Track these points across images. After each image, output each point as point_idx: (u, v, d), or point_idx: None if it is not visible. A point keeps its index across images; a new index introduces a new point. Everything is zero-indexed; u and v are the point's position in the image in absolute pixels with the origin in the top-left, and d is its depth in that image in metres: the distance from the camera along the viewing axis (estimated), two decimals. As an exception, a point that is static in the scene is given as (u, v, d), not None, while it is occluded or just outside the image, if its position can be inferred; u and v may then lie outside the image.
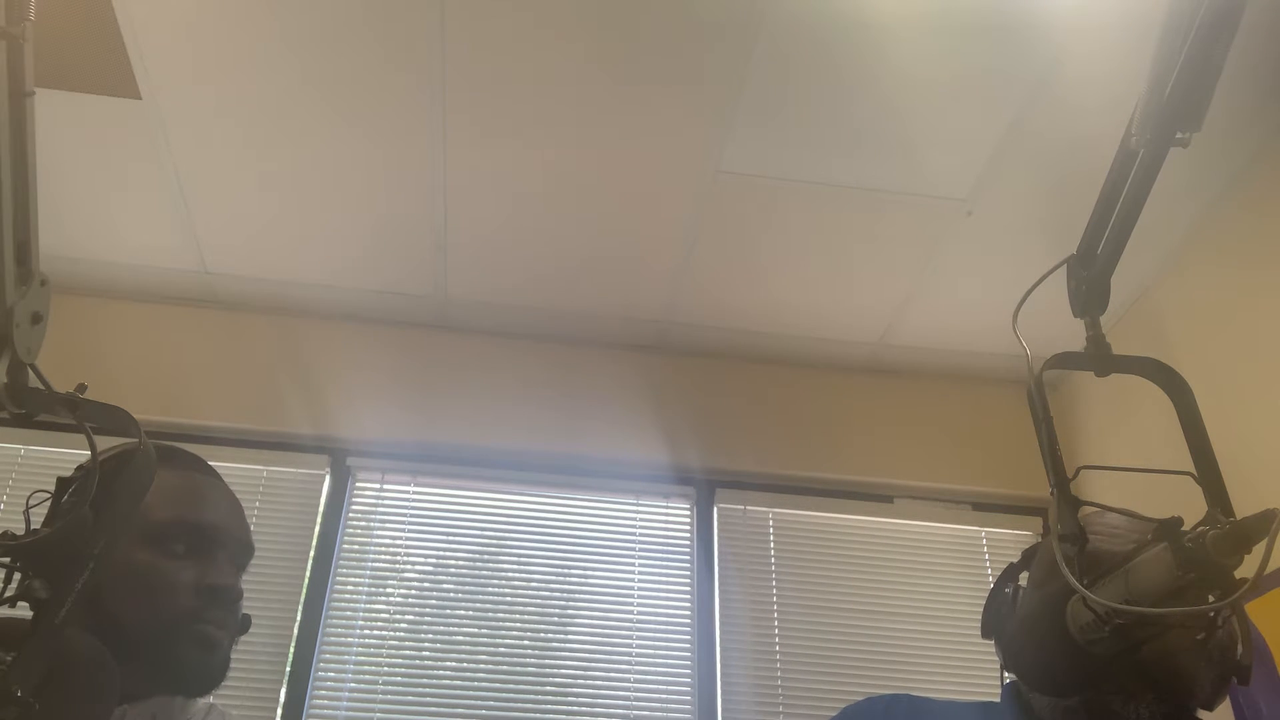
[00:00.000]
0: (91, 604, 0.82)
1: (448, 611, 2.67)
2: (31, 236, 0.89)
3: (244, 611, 1.10)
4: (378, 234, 2.67)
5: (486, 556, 2.76)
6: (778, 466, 2.92)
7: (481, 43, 2.15)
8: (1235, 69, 1.95)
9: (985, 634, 1.19)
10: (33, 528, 0.89)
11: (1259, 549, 0.75)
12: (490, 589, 2.71)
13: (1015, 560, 1.18)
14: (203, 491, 1.07)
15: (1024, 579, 1.16)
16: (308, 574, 2.62)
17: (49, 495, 0.94)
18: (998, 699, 1.19)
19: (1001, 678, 1.19)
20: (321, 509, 2.73)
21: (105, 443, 0.96)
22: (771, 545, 2.83)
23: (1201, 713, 1.04)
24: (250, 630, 1.10)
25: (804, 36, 2.11)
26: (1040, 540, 1.17)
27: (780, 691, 2.63)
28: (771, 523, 2.87)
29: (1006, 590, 1.16)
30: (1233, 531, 0.78)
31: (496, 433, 2.84)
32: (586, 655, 2.64)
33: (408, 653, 2.61)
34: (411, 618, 2.66)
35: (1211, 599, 0.84)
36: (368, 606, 2.64)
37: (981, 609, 1.20)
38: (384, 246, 2.71)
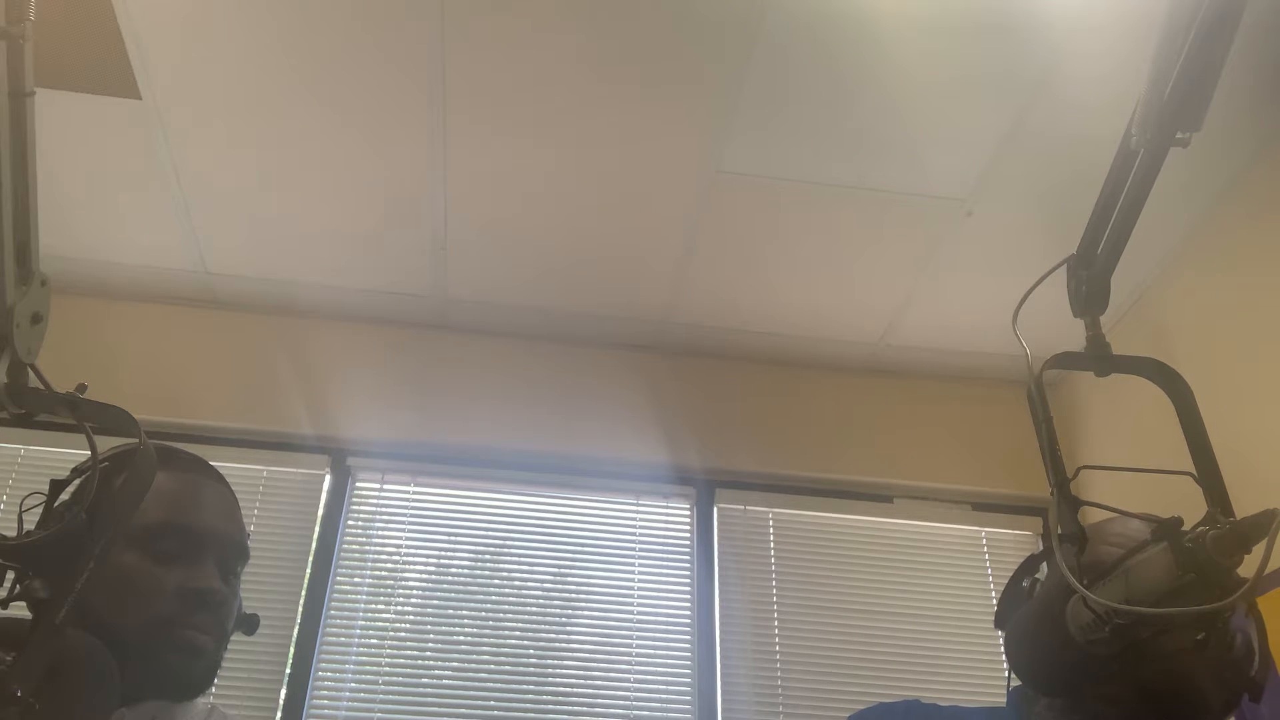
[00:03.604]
0: (82, 606, 0.81)
1: (448, 612, 2.67)
2: (31, 236, 0.89)
3: (248, 612, 1.09)
4: (378, 234, 2.67)
5: (487, 557, 2.76)
6: (778, 466, 2.92)
7: (481, 43, 2.15)
8: (1235, 69, 1.95)
9: (999, 624, 1.17)
10: (26, 529, 0.89)
11: (1259, 549, 0.75)
12: (490, 589, 2.71)
13: (1035, 553, 1.16)
14: (193, 493, 1.06)
15: (1044, 571, 1.14)
16: (308, 574, 2.62)
17: (44, 497, 0.94)
18: (1002, 703, 1.19)
19: (1009, 677, 1.18)
20: (321, 509, 2.73)
21: (105, 443, 0.96)
22: (771, 545, 2.83)
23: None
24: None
25: (804, 36, 2.11)
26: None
27: (780, 692, 2.63)
28: (771, 523, 2.87)
29: (1024, 584, 1.15)
30: (1233, 531, 0.78)
31: (497, 433, 2.84)
32: (587, 655, 2.64)
33: (408, 653, 2.61)
34: (412, 618, 2.66)
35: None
36: (368, 607, 2.64)
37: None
38: (384, 246, 2.71)
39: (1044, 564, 1.13)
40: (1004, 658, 1.15)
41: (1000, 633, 1.17)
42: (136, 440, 0.90)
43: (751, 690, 2.62)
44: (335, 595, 2.63)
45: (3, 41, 0.85)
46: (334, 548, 2.67)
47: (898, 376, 3.10)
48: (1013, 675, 1.16)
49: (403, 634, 2.64)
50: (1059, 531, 0.94)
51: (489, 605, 2.68)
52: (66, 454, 2.60)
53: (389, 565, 2.71)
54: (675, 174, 2.45)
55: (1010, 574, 1.17)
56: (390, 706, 2.52)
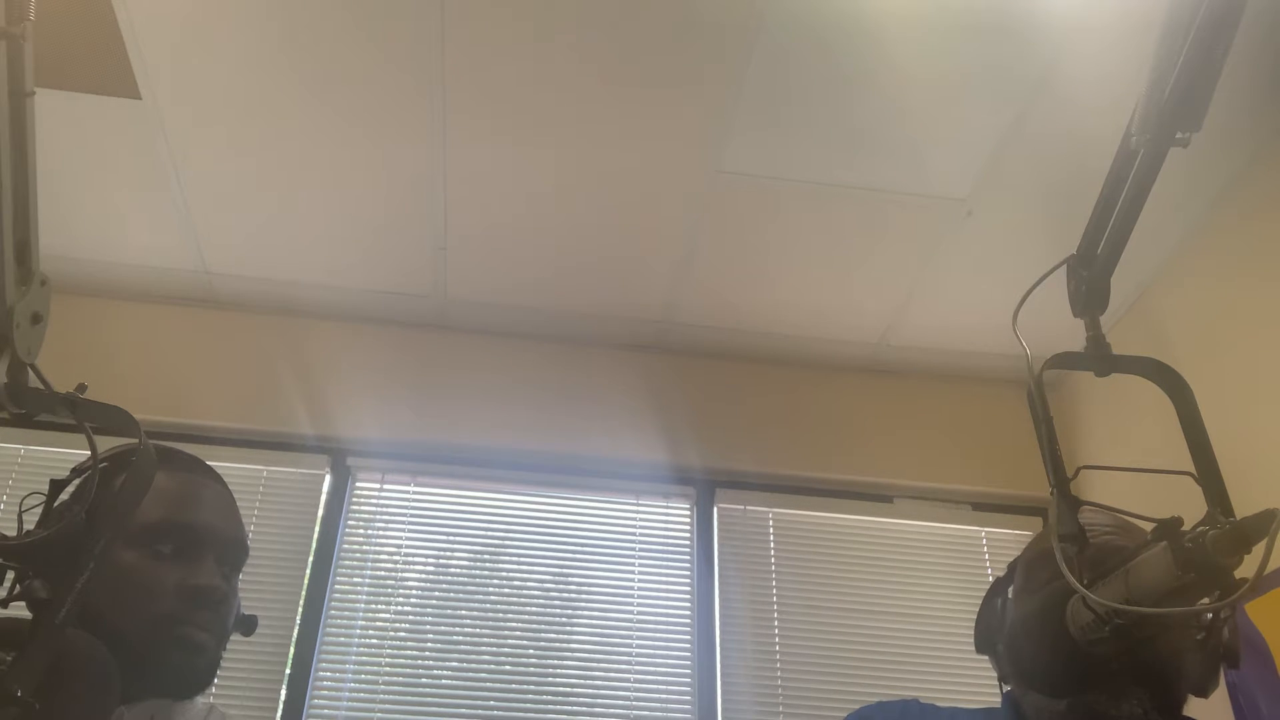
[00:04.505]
0: (82, 605, 0.81)
1: (448, 612, 2.67)
2: (32, 236, 0.89)
3: (247, 612, 1.09)
4: (378, 234, 2.67)
5: (487, 557, 2.76)
6: (778, 466, 2.92)
7: (481, 43, 2.15)
8: (1235, 69, 1.95)
9: (980, 649, 1.19)
10: (26, 529, 0.89)
11: (1259, 549, 0.75)
12: (490, 589, 2.71)
13: (1001, 575, 1.18)
14: (192, 492, 1.06)
15: (1012, 592, 1.16)
16: (308, 574, 2.62)
17: (43, 497, 0.94)
18: (998, 704, 1.19)
19: (1000, 687, 1.19)
20: (321, 509, 2.73)
21: (106, 443, 0.96)
22: (771, 545, 2.83)
23: (1201, 712, 1.04)
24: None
25: (804, 36, 2.11)
26: (1021, 552, 1.18)
27: (780, 691, 2.63)
28: (771, 523, 2.86)
29: (997, 603, 1.17)
30: (1233, 531, 0.78)
31: (496, 433, 2.84)
32: (587, 655, 2.64)
33: (408, 653, 2.61)
34: (412, 618, 2.66)
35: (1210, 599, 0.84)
36: (368, 607, 2.64)
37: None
38: (384, 246, 2.71)
39: (1010, 586, 1.15)
40: (995, 671, 1.16)
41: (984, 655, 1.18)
42: (136, 440, 0.90)
43: (751, 690, 2.62)
44: (335, 595, 2.63)
45: (3, 41, 0.85)
46: (334, 548, 2.67)
47: (898, 376, 3.10)
48: (1003, 684, 1.17)
49: (403, 634, 2.64)
50: (1059, 531, 0.94)
51: (489, 605, 2.68)
52: (66, 454, 2.60)
53: (389, 565, 2.71)
54: (675, 174, 2.45)
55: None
56: (390, 706, 2.52)
